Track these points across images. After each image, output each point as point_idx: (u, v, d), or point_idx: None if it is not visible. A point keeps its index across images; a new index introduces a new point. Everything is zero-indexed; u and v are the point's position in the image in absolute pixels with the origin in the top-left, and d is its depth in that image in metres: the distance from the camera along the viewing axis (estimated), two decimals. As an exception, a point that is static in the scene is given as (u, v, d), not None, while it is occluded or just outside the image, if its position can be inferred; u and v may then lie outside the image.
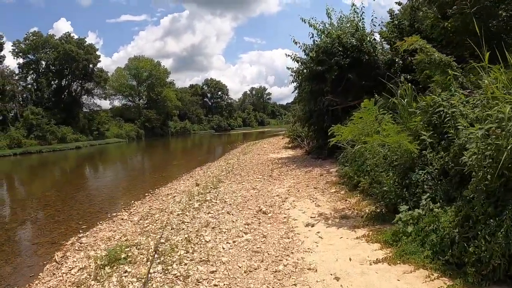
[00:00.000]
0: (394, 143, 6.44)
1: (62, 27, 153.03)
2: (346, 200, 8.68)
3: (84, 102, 67.43)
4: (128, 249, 6.42)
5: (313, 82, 16.37)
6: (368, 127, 7.00)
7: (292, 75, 17.61)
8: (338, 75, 15.21)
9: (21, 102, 55.06)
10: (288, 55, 17.06)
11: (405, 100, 8.29)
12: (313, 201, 8.95)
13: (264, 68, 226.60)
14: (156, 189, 14.01)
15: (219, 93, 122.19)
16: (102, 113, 69.19)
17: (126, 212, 10.52)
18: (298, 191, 10.27)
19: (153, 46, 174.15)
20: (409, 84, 8.73)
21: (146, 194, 13.26)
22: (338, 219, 7.24)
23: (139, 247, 6.52)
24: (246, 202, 9.33)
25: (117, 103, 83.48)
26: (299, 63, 17.04)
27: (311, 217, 7.52)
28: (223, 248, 5.97)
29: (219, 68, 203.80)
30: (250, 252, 5.74)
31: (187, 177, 16.47)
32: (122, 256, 6.01)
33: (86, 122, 61.06)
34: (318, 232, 6.46)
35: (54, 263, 6.98)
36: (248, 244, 6.09)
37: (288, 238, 6.29)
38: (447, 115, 6.12)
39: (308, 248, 5.74)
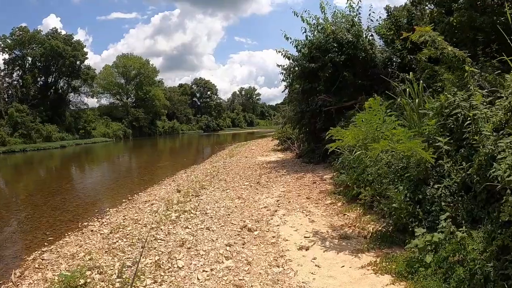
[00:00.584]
0: (407, 150, 5.41)
1: (51, 23, 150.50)
2: (344, 214, 7.61)
3: (70, 100, 66.30)
4: (90, 272, 5.55)
5: (305, 81, 15.51)
6: (373, 131, 5.94)
7: (282, 73, 16.58)
8: (332, 73, 14.32)
9: (6, 99, 53.65)
10: (279, 51, 15.92)
11: (416, 101, 7.29)
12: (306, 215, 7.88)
13: (254, 69, 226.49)
14: (135, 195, 12.94)
15: (208, 93, 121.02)
16: (89, 111, 68.23)
17: (98, 222, 9.49)
18: (289, 201, 9.21)
19: (143, 44, 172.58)
20: (420, 81, 7.75)
21: (124, 200, 12.19)
22: (337, 240, 6.18)
23: (101, 270, 5.59)
24: (229, 214, 8.28)
25: (104, 101, 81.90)
26: (290, 60, 15.99)
27: (304, 237, 6.43)
28: (198, 279, 4.92)
29: (209, 68, 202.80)
30: (231, 286, 4.68)
31: (169, 181, 15.43)
32: (80, 282, 5.11)
33: (72, 121, 60.02)
34: (315, 259, 5.37)
35: (10, 283, 6.04)
36: (229, 274, 5.03)
37: (278, 267, 5.20)
38: (468, 118, 5.15)
39: (303, 282, 4.65)
